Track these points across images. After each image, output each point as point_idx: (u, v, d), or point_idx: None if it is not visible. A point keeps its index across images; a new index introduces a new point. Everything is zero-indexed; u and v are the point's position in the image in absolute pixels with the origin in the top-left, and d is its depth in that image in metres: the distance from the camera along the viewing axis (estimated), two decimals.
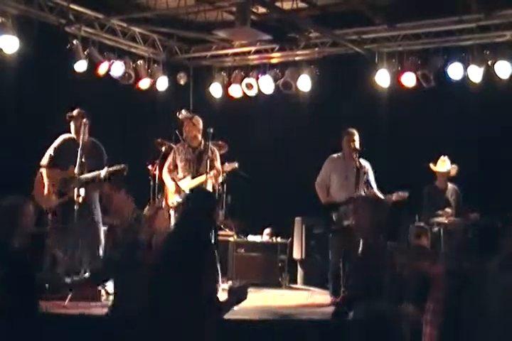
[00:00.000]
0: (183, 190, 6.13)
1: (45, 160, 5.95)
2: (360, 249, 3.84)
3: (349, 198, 5.95)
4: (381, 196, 5.88)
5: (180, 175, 6.28)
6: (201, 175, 6.11)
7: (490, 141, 6.93)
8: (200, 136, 6.26)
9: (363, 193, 6.07)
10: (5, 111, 6.25)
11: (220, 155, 7.12)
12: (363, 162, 6.16)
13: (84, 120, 5.90)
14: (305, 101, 7.86)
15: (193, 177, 6.19)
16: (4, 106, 6.36)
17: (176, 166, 6.34)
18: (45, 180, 5.85)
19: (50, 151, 5.97)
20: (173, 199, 6.22)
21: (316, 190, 6.19)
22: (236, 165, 6.42)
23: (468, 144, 6.96)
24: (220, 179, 6.34)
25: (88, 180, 5.79)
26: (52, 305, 4.98)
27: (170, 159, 6.41)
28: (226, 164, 6.51)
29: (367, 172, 6.11)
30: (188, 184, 6.17)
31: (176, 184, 6.23)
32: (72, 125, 5.94)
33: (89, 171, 5.83)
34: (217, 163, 6.26)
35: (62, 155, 5.90)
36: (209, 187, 6.04)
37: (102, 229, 6.06)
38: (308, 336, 4.93)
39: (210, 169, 6.05)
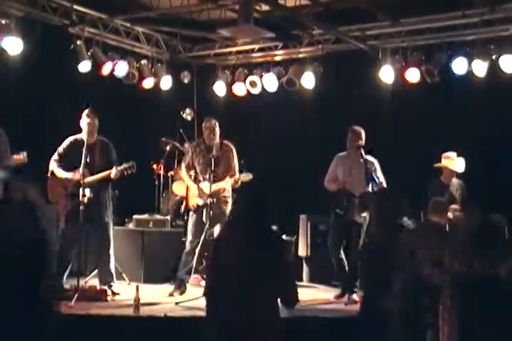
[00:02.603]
0: (205, 194, 6.08)
1: (54, 158, 5.97)
2: (367, 243, 3.83)
3: (360, 195, 5.97)
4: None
5: (200, 177, 6.22)
6: (218, 177, 6.06)
7: (495, 136, 6.89)
8: (218, 140, 6.21)
9: (370, 189, 6.08)
10: (9, 112, 6.28)
11: None
12: (370, 159, 6.18)
13: (89, 120, 5.92)
14: (309, 99, 7.84)
15: (212, 181, 6.07)
16: (9, 107, 6.38)
17: (193, 166, 6.28)
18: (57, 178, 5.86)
19: (59, 150, 5.99)
20: (195, 201, 6.20)
21: (326, 187, 6.22)
22: (251, 176, 6.15)
23: (473, 139, 6.92)
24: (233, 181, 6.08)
25: (98, 181, 5.82)
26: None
27: (188, 158, 6.36)
28: (242, 174, 6.23)
29: (375, 168, 6.13)
30: (207, 188, 6.07)
31: (199, 187, 6.18)
32: (82, 125, 5.96)
33: (99, 170, 5.85)
34: (234, 164, 6.16)
35: (69, 157, 5.91)
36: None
37: (112, 230, 6.07)
38: (317, 333, 4.93)
39: (228, 172, 6.07)
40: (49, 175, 5.94)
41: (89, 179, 5.77)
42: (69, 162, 5.88)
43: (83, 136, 5.91)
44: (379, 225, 3.73)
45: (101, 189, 5.89)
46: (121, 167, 5.81)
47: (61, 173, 5.90)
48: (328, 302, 6.01)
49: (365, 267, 3.71)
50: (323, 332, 4.95)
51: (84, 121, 5.94)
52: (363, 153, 6.11)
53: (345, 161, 6.29)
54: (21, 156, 5.62)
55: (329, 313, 5.41)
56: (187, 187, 6.43)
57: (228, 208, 6.10)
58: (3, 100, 6.20)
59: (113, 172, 5.77)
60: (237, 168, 6.21)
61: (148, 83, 8.01)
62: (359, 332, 4.01)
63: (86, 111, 5.98)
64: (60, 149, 5.99)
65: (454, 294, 3.91)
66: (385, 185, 6.08)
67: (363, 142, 6.16)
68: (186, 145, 7.41)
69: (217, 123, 6.22)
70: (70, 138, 6.02)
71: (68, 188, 5.86)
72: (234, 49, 8.28)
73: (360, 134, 6.20)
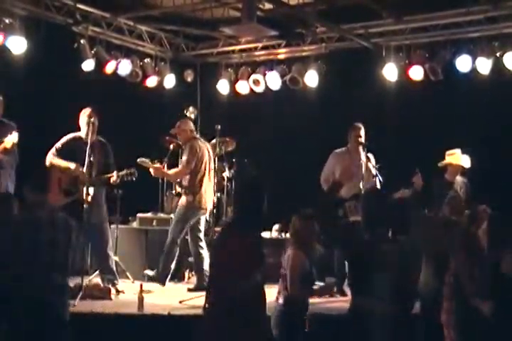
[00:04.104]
0: None
1: (52, 152, 5.99)
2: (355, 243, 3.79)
3: (354, 195, 5.95)
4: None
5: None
6: None
7: (499, 134, 6.87)
8: (187, 135, 6.47)
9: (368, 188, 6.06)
10: (13, 111, 6.29)
11: (228, 152, 7.21)
12: (369, 155, 6.17)
13: (92, 119, 5.93)
14: (312, 97, 7.83)
15: None
16: (13, 107, 6.40)
17: None
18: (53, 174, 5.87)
19: (57, 145, 6.02)
20: None
21: (322, 186, 6.22)
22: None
23: (477, 137, 6.90)
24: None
25: (98, 182, 5.84)
26: None
27: None
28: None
29: (373, 165, 6.12)
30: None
31: None
32: (81, 124, 5.97)
33: (97, 170, 5.87)
34: (183, 158, 6.42)
35: (67, 153, 5.94)
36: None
37: (109, 228, 6.10)
38: (321, 330, 4.93)
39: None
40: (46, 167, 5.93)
41: (95, 178, 5.80)
42: (65, 159, 5.90)
43: (82, 134, 5.93)
44: (367, 225, 3.71)
45: (98, 190, 5.93)
46: (122, 172, 5.86)
47: (62, 162, 5.88)
48: (332, 300, 6.01)
49: (353, 268, 3.67)
50: (327, 329, 4.95)
51: (85, 121, 5.95)
52: (361, 150, 6.10)
53: (345, 158, 6.27)
54: (12, 139, 5.64)
55: (333, 310, 5.40)
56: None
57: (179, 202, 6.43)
58: (6, 99, 6.21)
59: (114, 177, 5.85)
60: (184, 164, 6.35)
61: (151, 82, 8.02)
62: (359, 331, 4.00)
63: (88, 111, 5.99)
64: (58, 145, 6.01)
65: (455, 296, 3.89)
66: (378, 183, 6.07)
67: (363, 139, 6.16)
68: None
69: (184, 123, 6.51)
70: (69, 135, 6.05)
71: (62, 182, 5.84)
72: (237, 47, 8.28)
73: (361, 131, 6.19)
